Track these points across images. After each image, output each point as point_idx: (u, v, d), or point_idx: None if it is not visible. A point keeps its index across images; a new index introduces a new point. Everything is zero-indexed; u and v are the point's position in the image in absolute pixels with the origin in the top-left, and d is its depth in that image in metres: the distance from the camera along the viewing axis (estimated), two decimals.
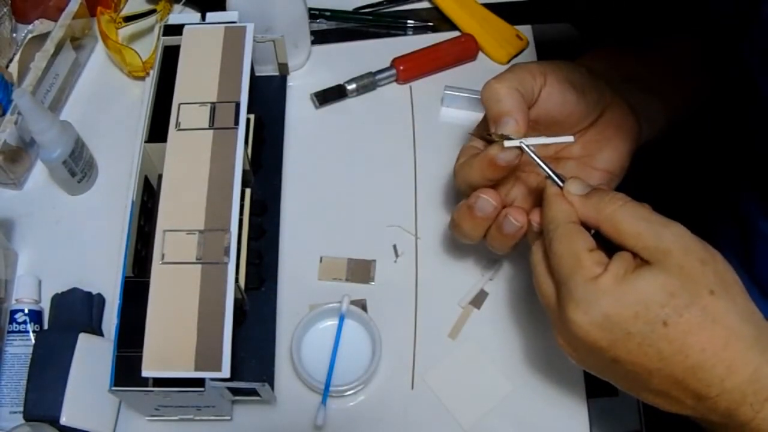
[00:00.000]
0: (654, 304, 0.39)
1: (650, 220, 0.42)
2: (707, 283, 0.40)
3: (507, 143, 0.47)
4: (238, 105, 0.55)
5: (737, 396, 0.39)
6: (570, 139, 0.49)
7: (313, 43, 0.71)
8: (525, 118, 0.47)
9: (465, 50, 0.71)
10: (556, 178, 0.46)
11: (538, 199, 0.50)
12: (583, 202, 0.44)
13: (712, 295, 0.39)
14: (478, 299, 0.60)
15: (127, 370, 0.47)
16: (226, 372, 0.46)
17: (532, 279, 0.47)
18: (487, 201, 0.49)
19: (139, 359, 0.46)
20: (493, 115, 0.48)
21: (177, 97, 0.56)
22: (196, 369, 0.46)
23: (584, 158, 0.54)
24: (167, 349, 0.47)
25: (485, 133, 0.51)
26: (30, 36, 0.67)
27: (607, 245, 0.43)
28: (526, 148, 0.46)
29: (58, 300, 0.58)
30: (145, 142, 0.56)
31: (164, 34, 0.61)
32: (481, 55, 0.72)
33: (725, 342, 0.39)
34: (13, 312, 0.58)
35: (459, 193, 0.52)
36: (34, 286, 0.59)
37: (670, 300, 0.39)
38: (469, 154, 0.52)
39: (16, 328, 0.57)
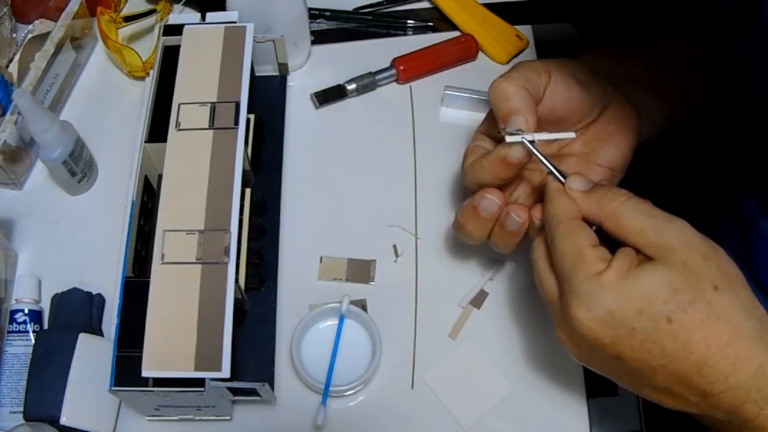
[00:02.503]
0: (658, 300, 0.39)
1: (653, 216, 0.42)
2: (711, 279, 0.40)
3: (508, 138, 0.47)
4: (238, 105, 0.55)
5: (741, 393, 0.39)
6: (572, 135, 0.49)
7: (313, 43, 0.71)
8: (534, 115, 0.47)
9: (465, 50, 0.71)
10: (558, 174, 0.46)
11: (541, 196, 0.50)
12: (585, 198, 0.44)
13: (716, 291, 0.39)
14: (478, 299, 0.60)
15: (127, 370, 0.47)
16: (226, 372, 0.46)
17: (534, 275, 0.46)
18: (491, 200, 0.49)
19: (139, 359, 0.46)
20: (503, 114, 0.47)
21: (177, 97, 0.56)
22: (196, 369, 0.46)
23: (586, 155, 0.54)
24: (167, 349, 0.47)
25: (494, 131, 0.51)
26: (30, 36, 0.67)
27: (609, 241, 0.43)
28: (528, 144, 0.46)
29: (58, 300, 0.58)
30: (145, 142, 0.56)
31: (164, 34, 0.61)
32: (481, 55, 0.72)
33: (729, 338, 0.39)
34: (13, 312, 0.58)
35: (468, 192, 0.52)
36: (34, 286, 0.59)
37: (674, 296, 0.39)
38: (477, 154, 0.51)
39: (16, 328, 0.57)
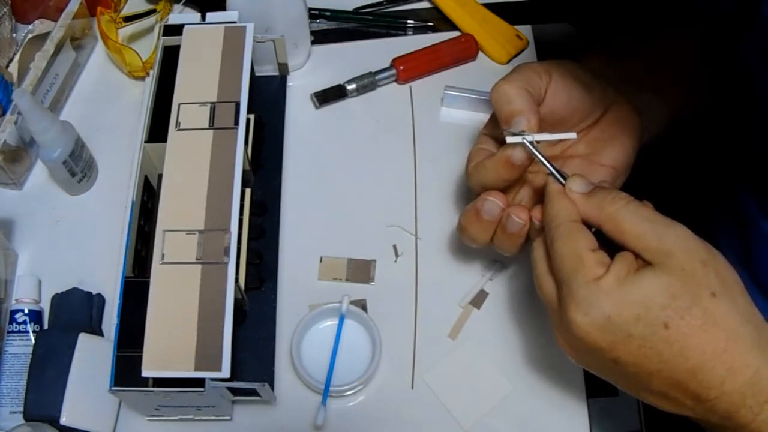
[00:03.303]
0: (655, 306, 0.39)
1: (652, 221, 0.42)
2: (708, 285, 0.40)
3: (510, 139, 0.47)
4: (238, 105, 0.55)
5: (736, 398, 0.39)
6: (573, 135, 0.49)
7: (313, 43, 0.71)
8: (536, 116, 0.47)
9: (465, 50, 0.71)
10: (558, 175, 0.46)
11: (543, 198, 0.50)
12: (585, 200, 0.44)
13: (714, 297, 0.39)
14: (478, 299, 0.60)
15: (127, 370, 0.47)
16: (226, 372, 0.46)
17: (533, 277, 0.47)
18: (494, 203, 0.49)
19: (139, 359, 0.46)
20: (505, 116, 0.48)
21: (177, 97, 0.56)
22: (196, 369, 0.46)
23: (590, 156, 0.53)
24: (167, 349, 0.47)
25: (498, 132, 0.51)
26: (30, 36, 0.67)
27: (608, 244, 0.43)
28: (529, 145, 0.46)
29: (58, 300, 0.58)
30: (145, 142, 0.56)
31: (164, 34, 0.61)
32: (481, 55, 0.72)
33: (726, 344, 0.39)
34: (13, 312, 0.58)
35: (472, 194, 0.52)
36: (34, 286, 0.59)
37: (672, 302, 0.39)
38: (480, 156, 0.51)
39: (16, 328, 0.57)
